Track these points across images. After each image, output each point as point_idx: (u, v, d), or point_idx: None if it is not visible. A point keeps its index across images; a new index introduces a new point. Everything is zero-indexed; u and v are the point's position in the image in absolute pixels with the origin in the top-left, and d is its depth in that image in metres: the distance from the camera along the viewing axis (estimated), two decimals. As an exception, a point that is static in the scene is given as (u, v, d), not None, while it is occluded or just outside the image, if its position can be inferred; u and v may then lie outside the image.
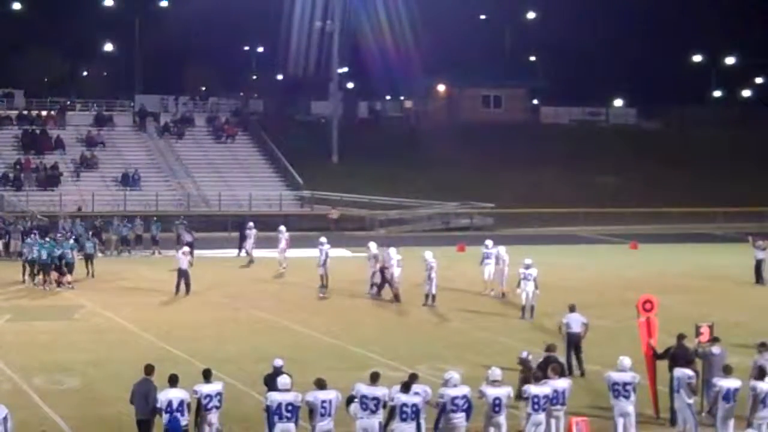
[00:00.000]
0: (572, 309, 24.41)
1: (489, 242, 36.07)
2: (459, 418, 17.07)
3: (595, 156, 73.35)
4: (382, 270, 34.77)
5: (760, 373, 17.96)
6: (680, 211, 62.33)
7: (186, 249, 36.14)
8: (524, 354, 19.10)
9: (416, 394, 16.71)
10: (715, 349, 19.94)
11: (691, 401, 18.24)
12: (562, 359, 19.61)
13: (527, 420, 17.41)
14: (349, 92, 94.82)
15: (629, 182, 69.49)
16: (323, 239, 37.08)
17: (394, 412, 16.52)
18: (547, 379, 17.89)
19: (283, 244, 40.87)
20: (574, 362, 23.59)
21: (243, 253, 44.85)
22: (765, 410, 17.59)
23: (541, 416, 17.44)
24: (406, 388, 16.72)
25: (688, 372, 18.42)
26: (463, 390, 17.15)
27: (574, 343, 23.69)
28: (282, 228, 42.07)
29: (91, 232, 43.33)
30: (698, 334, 20.96)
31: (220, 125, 71.04)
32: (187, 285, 34.73)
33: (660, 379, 20.46)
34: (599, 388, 21.97)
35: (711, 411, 18.25)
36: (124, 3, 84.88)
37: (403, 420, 16.45)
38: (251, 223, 44.48)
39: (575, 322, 23.87)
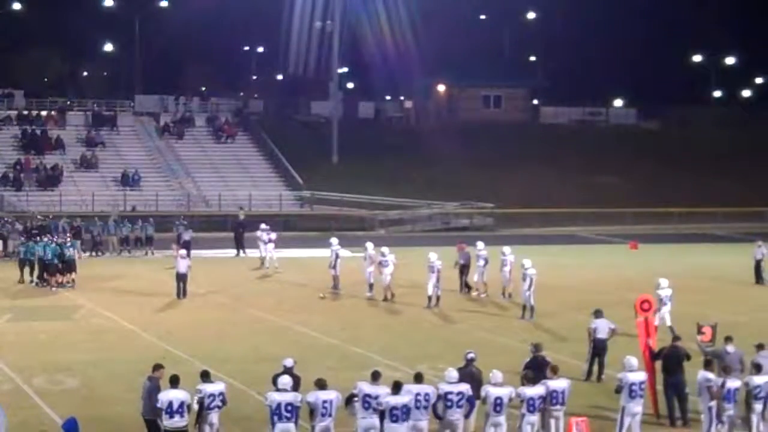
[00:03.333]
0: (598, 314, 23.86)
1: (480, 244, 35.84)
2: (455, 414, 17.19)
3: (595, 156, 73.33)
4: (462, 268, 34.92)
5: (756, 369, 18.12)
6: (680, 211, 62.31)
7: (183, 252, 35.33)
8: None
9: (407, 393, 16.74)
10: (730, 348, 19.91)
11: (712, 404, 18.11)
12: (549, 358, 19.56)
13: (521, 420, 17.47)
14: (349, 92, 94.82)
15: (629, 182, 69.46)
16: (334, 240, 36.69)
17: (384, 415, 16.53)
18: (546, 380, 17.92)
19: (272, 245, 40.80)
20: (595, 368, 23.32)
21: (242, 254, 44.83)
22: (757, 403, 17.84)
23: (536, 417, 17.50)
24: (396, 389, 16.73)
25: (708, 375, 18.27)
26: (459, 387, 17.27)
27: (600, 348, 23.34)
28: (265, 226, 41.97)
29: (71, 234, 42.86)
30: (700, 333, 20.93)
31: (220, 125, 71.03)
32: (184, 289, 34.18)
33: (660, 380, 20.50)
34: (599, 388, 22.01)
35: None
36: (124, 3, 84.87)
37: (394, 421, 16.47)
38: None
39: (603, 327, 23.58)
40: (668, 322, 27.47)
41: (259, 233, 42.14)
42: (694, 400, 20.07)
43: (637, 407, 18.29)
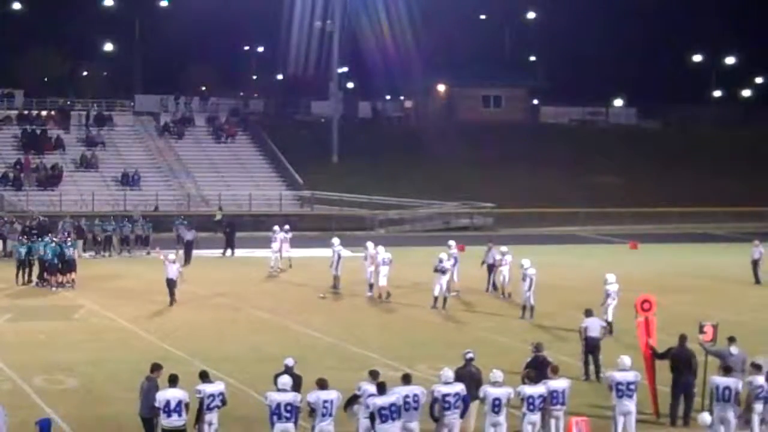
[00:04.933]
0: (589, 313, 24.13)
1: (452, 243, 35.57)
2: (452, 415, 17.19)
3: (595, 156, 73.30)
4: (489, 267, 34.96)
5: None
6: (680, 211, 62.30)
7: (172, 257, 33.55)
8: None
9: (393, 393, 16.71)
10: (734, 350, 19.88)
11: (733, 409, 18.03)
12: (550, 358, 19.57)
13: (522, 420, 17.46)
14: (349, 92, 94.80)
15: (629, 182, 69.45)
16: (335, 240, 36.58)
17: (373, 416, 16.48)
18: (546, 379, 17.92)
19: (277, 244, 40.75)
20: (591, 367, 23.40)
21: (229, 254, 45.52)
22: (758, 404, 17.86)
23: (536, 416, 17.49)
24: (381, 389, 16.68)
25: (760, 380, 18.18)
26: (456, 387, 17.27)
27: (592, 347, 23.48)
28: (276, 228, 41.87)
29: (74, 233, 42.64)
30: (702, 332, 20.91)
31: (220, 125, 71.04)
32: (173, 295, 32.59)
33: (660, 379, 20.48)
34: (600, 387, 21.98)
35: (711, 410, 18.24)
36: (124, 3, 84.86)
37: (384, 421, 16.43)
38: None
39: (594, 326, 23.70)
40: (610, 318, 27.67)
41: (282, 234, 41.56)
42: (697, 400, 20.12)
43: (627, 406, 18.28)
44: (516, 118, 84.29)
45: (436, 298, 32.61)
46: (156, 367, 17.63)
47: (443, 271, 32.45)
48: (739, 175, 70.03)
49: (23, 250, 37.34)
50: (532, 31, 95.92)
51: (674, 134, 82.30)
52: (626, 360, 18.57)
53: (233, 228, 47.27)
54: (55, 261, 36.24)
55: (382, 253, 34.28)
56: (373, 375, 17.17)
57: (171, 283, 32.70)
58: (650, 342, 20.62)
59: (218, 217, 50.49)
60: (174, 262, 33.05)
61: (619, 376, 18.36)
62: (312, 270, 39.81)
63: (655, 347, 20.54)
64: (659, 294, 23.49)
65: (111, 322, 30.41)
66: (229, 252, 46.22)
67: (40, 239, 38.00)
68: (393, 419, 16.42)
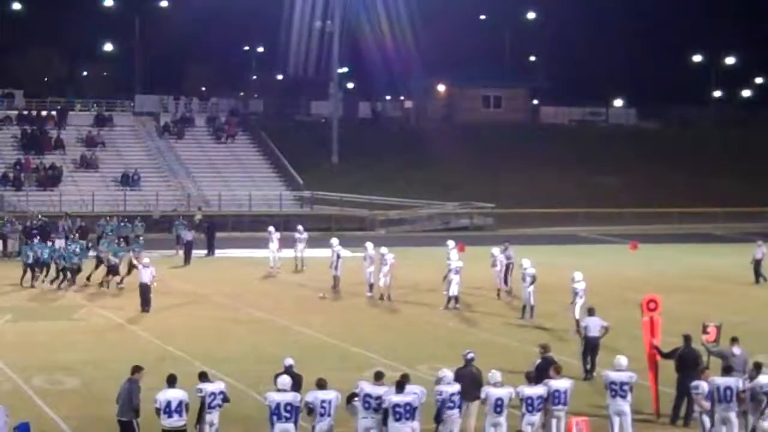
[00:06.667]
0: (591, 312, 24.20)
1: (451, 242, 35.50)
2: (454, 413, 17.26)
3: (595, 156, 73.31)
4: (506, 267, 34.91)
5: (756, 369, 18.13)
6: (680, 211, 62.29)
7: (146, 261, 32.53)
8: None
9: (410, 392, 16.70)
10: (736, 350, 19.86)
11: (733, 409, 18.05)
12: (555, 358, 19.56)
13: (521, 420, 17.46)
14: (349, 92, 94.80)
15: (629, 182, 69.45)
16: (335, 240, 36.64)
17: (387, 413, 16.50)
18: (549, 379, 17.89)
19: (275, 244, 40.73)
20: (589, 366, 23.45)
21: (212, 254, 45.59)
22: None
23: (536, 417, 17.48)
24: (399, 387, 16.71)
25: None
26: (456, 387, 17.35)
27: (592, 346, 23.54)
28: (271, 228, 41.81)
29: (77, 234, 42.47)
30: (705, 333, 20.90)
31: (219, 125, 71.05)
32: (147, 301, 31.56)
33: (663, 379, 20.47)
34: (600, 388, 21.98)
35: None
36: (124, 3, 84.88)
37: (397, 420, 16.45)
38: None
39: (594, 325, 23.72)
40: (577, 315, 27.75)
41: (296, 235, 41.60)
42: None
43: (620, 406, 18.25)
44: (516, 118, 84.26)
45: (457, 298, 32.55)
46: (137, 369, 17.53)
47: (456, 271, 32.44)
48: (738, 176, 70.04)
49: (31, 254, 36.68)
50: (532, 31, 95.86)
51: (674, 134, 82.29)
52: (623, 360, 18.55)
53: (212, 228, 47.23)
54: (74, 259, 36.14)
55: (387, 253, 34.28)
56: (378, 376, 17.14)
57: (145, 288, 31.77)
58: (654, 342, 20.61)
59: (198, 217, 50.50)
60: (148, 266, 32.04)
61: (614, 375, 18.36)
62: (312, 270, 39.81)
63: (660, 347, 20.53)
64: (660, 294, 23.43)
65: (111, 322, 30.41)
66: (208, 253, 46.08)
67: (51, 243, 37.91)
68: (407, 419, 16.44)
